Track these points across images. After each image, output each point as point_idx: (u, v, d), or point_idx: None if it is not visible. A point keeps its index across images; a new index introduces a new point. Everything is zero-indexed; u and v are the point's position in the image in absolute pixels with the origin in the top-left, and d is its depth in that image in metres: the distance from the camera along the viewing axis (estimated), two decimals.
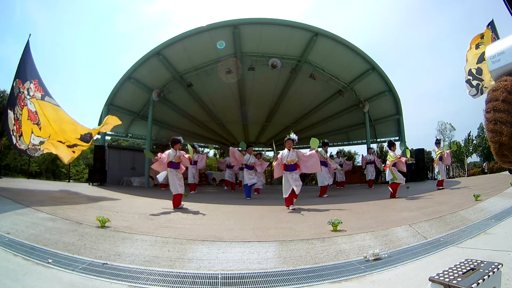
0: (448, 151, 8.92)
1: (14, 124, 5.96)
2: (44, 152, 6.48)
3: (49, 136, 5.97)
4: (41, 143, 6.07)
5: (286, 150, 6.22)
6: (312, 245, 3.22)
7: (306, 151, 6.55)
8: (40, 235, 3.35)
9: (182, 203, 5.98)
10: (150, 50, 11.06)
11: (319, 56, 11.84)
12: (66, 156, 6.12)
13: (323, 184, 8.65)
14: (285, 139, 6.32)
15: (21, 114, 5.81)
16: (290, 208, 5.95)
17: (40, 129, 5.86)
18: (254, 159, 9.28)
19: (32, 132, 5.89)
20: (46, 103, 5.74)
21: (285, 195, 6.13)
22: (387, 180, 7.87)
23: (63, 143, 6.06)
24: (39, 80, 5.77)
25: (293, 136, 6.33)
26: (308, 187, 12.66)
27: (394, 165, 7.42)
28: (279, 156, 6.26)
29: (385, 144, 18.22)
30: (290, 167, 6.14)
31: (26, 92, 5.68)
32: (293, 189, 5.98)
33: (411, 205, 5.79)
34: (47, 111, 5.81)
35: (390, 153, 7.59)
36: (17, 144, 6.16)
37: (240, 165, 9.76)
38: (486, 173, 13.38)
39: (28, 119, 5.83)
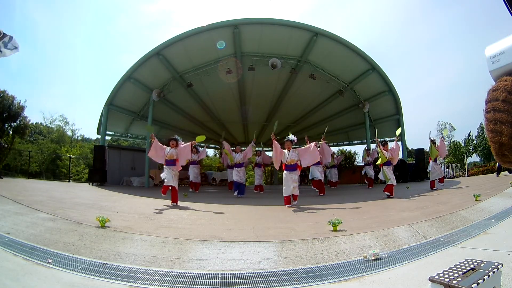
0: (440, 139, 9.04)
1: None
2: None
3: None
4: None
5: (286, 151, 6.35)
6: (312, 245, 3.22)
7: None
8: (40, 235, 3.35)
9: (175, 202, 6.20)
10: (150, 50, 11.07)
11: (319, 56, 11.84)
12: None
13: (318, 178, 8.85)
14: (284, 140, 6.49)
15: None
16: (294, 203, 6.22)
17: None
18: (241, 157, 9.23)
19: None
20: None
21: (285, 194, 6.28)
22: (381, 178, 7.93)
23: None
24: None
25: (291, 137, 6.47)
26: (307, 187, 12.65)
27: (389, 164, 7.42)
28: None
29: None
30: (290, 167, 6.26)
31: None
32: (293, 193, 6.28)
33: (411, 205, 5.79)
34: None
35: (384, 152, 7.54)
36: None
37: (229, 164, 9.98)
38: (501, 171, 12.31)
39: None
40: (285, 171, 6.31)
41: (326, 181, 12.24)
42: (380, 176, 7.69)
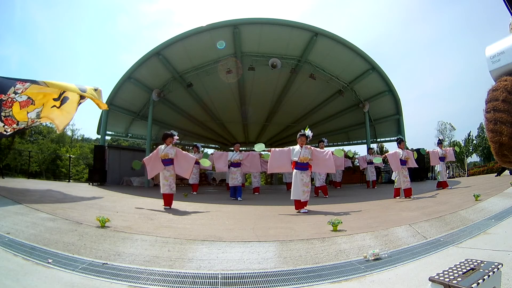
0: (450, 148, 9.02)
1: (3, 126, 6.18)
2: (41, 121, 6.80)
3: (43, 104, 6.42)
4: (38, 115, 6.47)
5: (298, 147, 5.54)
6: (312, 245, 3.22)
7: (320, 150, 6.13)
8: (40, 235, 3.35)
9: (175, 206, 5.73)
10: (150, 50, 11.08)
11: (319, 56, 11.84)
12: (60, 122, 6.64)
13: (322, 184, 8.59)
14: (299, 134, 5.61)
15: (11, 110, 6.13)
16: (301, 211, 5.32)
17: (34, 103, 6.28)
18: (239, 156, 8.51)
19: (27, 112, 6.29)
20: (35, 85, 5.98)
21: (294, 197, 5.42)
22: (392, 178, 7.75)
23: (56, 106, 6.49)
24: (20, 80, 5.99)
25: (308, 132, 5.69)
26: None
27: (404, 163, 7.09)
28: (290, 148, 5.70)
29: (385, 144, 18.24)
30: (302, 166, 5.47)
31: (13, 94, 5.88)
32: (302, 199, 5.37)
33: (411, 205, 5.79)
34: (36, 89, 6.12)
35: (398, 151, 7.20)
36: (13, 128, 6.39)
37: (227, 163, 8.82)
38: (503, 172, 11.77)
39: (20, 109, 6.18)
40: (295, 170, 5.44)
41: (328, 182, 12.21)
42: (393, 175, 7.48)
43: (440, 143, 9.22)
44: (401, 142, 7.34)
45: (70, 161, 20.16)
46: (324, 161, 5.58)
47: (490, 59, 1.59)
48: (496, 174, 11.47)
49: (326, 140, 8.75)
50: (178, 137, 5.98)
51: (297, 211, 5.39)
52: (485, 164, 21.85)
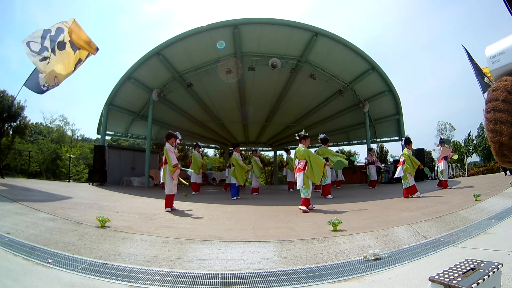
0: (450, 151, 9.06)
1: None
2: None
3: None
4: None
5: None
6: (312, 245, 3.22)
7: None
8: (40, 235, 3.35)
9: (174, 205, 5.57)
10: (150, 50, 11.08)
11: (319, 56, 11.84)
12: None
13: (325, 182, 8.55)
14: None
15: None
16: (302, 209, 5.47)
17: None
18: (240, 158, 8.65)
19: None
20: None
21: (309, 196, 5.65)
22: (396, 177, 7.70)
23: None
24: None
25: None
26: None
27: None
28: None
29: (385, 144, 18.19)
30: None
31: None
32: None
33: (411, 205, 5.79)
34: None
35: (405, 151, 7.29)
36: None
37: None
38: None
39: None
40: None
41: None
42: (398, 173, 7.36)
43: (442, 142, 9.25)
44: (408, 144, 7.54)
45: (70, 161, 20.17)
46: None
47: (490, 59, 1.59)
48: (504, 172, 11.38)
49: (325, 137, 8.81)
50: (180, 141, 5.85)
51: (308, 208, 5.45)
52: (485, 164, 21.86)
